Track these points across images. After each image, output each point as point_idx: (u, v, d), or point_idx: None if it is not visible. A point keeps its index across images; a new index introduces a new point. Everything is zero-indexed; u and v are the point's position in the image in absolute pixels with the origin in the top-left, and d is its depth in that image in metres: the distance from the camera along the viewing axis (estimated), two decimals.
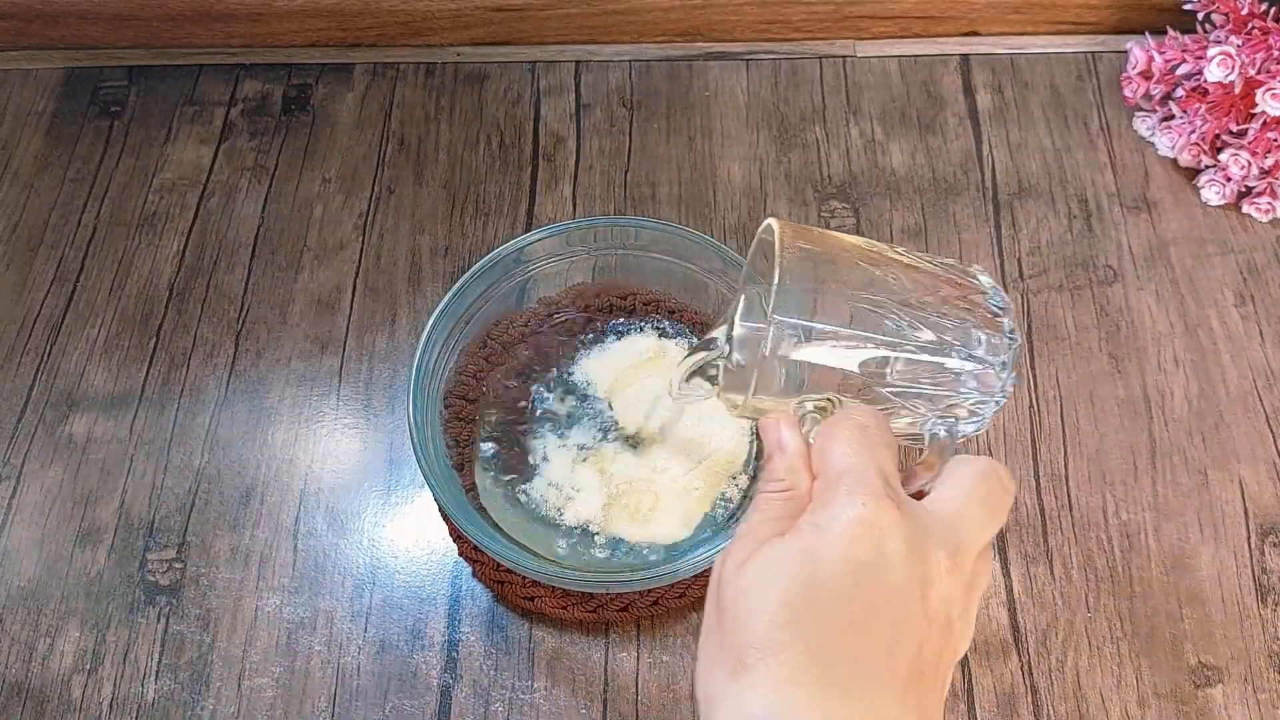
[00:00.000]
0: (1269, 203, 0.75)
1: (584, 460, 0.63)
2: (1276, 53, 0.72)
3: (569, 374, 0.66)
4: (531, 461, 0.63)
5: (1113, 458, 0.67)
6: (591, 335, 0.67)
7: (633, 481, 0.62)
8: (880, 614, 0.38)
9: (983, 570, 0.42)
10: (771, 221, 0.45)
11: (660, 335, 0.67)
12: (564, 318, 0.68)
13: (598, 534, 0.61)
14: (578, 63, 0.84)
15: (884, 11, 0.83)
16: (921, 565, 0.39)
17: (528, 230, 0.75)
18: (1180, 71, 0.76)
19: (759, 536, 0.40)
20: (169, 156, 0.79)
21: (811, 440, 0.43)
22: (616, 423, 0.64)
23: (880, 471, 0.40)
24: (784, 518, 0.40)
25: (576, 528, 0.61)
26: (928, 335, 0.44)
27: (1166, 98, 0.78)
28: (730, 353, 0.50)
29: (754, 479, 0.63)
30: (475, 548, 0.62)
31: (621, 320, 0.68)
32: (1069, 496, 0.65)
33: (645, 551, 0.61)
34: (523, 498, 0.62)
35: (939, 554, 0.39)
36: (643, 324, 0.68)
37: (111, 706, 0.60)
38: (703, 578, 0.60)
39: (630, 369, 0.66)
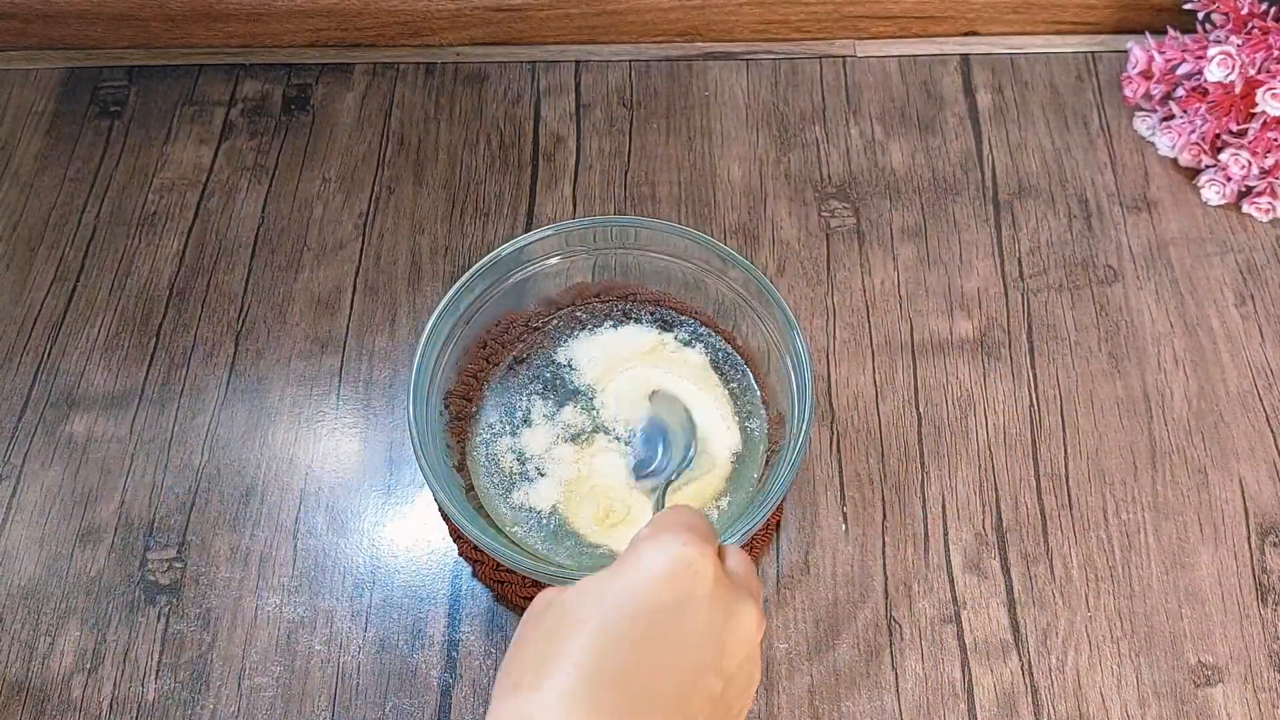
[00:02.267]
0: (1269, 202, 0.75)
1: (567, 442, 0.63)
2: (1276, 52, 0.72)
3: (567, 367, 0.66)
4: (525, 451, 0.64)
5: (1112, 457, 0.67)
6: (590, 328, 0.67)
7: (611, 487, 0.62)
8: (674, 658, 0.39)
9: (764, 630, 0.45)
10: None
11: (661, 329, 0.67)
12: (564, 317, 0.68)
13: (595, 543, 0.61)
14: (577, 63, 0.84)
15: (883, 11, 0.83)
16: (724, 619, 0.40)
17: (528, 230, 0.75)
18: (1180, 71, 0.76)
19: (602, 569, 0.42)
20: (169, 156, 0.80)
21: None
22: (608, 423, 0.64)
23: (703, 533, 0.42)
24: None
25: (531, 510, 0.61)
26: None
27: (1166, 97, 0.78)
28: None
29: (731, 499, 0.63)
30: (475, 548, 0.62)
31: (620, 316, 0.68)
32: (1069, 496, 0.65)
33: (602, 554, 0.60)
34: (492, 463, 0.63)
35: (749, 613, 0.41)
36: (641, 318, 0.68)
37: (111, 706, 0.60)
38: None
39: (624, 360, 0.66)
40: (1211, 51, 0.72)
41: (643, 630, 0.39)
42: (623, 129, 0.80)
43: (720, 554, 0.44)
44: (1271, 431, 0.67)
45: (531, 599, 0.60)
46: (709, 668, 0.39)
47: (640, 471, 0.61)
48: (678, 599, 0.40)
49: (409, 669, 0.60)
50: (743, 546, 0.57)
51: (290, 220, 0.76)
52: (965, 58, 0.83)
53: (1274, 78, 0.71)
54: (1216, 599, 0.62)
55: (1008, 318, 0.72)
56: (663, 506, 0.58)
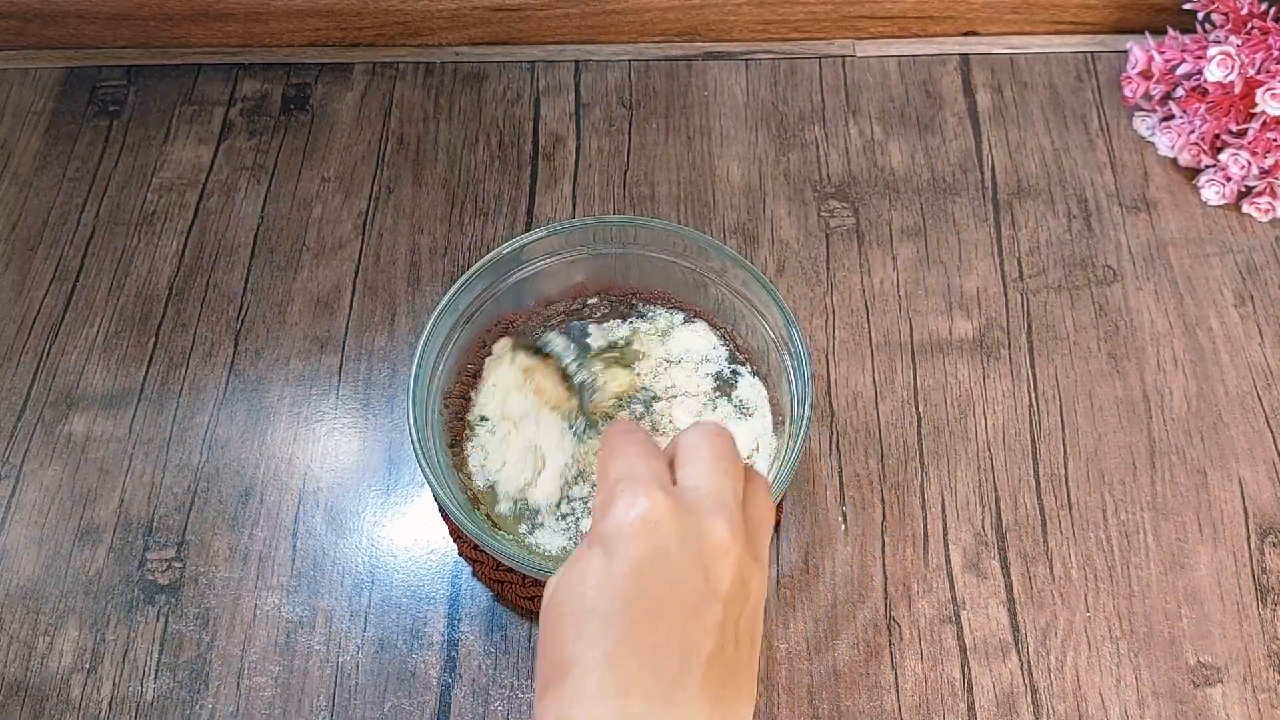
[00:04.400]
0: (1269, 202, 0.75)
1: (575, 440, 0.63)
2: (1276, 52, 0.72)
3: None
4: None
5: (1112, 458, 0.67)
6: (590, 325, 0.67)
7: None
8: (668, 607, 0.40)
9: (755, 515, 0.44)
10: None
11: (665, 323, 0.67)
12: (564, 317, 0.68)
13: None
14: (577, 62, 0.84)
15: (883, 11, 0.83)
16: (699, 546, 0.41)
17: (527, 230, 0.75)
18: (1180, 71, 0.76)
19: (570, 560, 0.42)
20: (168, 156, 0.79)
21: None
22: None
23: (652, 471, 0.42)
24: None
25: (526, 504, 0.61)
26: None
27: (1166, 97, 0.78)
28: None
29: None
30: (475, 547, 0.62)
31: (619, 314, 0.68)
32: (1068, 496, 0.65)
33: None
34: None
35: (717, 527, 0.41)
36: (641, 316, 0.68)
37: (111, 705, 0.60)
38: None
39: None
40: (1211, 51, 0.72)
41: (634, 599, 0.40)
42: (622, 129, 0.80)
43: (673, 469, 0.44)
44: (1271, 432, 0.67)
45: (532, 599, 0.60)
46: (704, 598, 0.40)
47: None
48: (650, 555, 0.40)
49: (408, 669, 0.60)
50: None
51: (289, 220, 0.76)
52: (965, 58, 0.83)
53: (1274, 78, 0.71)
54: (1216, 599, 0.62)
55: (1007, 318, 0.72)
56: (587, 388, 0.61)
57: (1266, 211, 0.75)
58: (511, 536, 0.61)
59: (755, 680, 0.42)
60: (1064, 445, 0.67)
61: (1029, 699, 0.59)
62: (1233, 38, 0.73)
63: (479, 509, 0.61)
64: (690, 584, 0.40)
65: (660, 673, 0.39)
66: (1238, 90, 0.72)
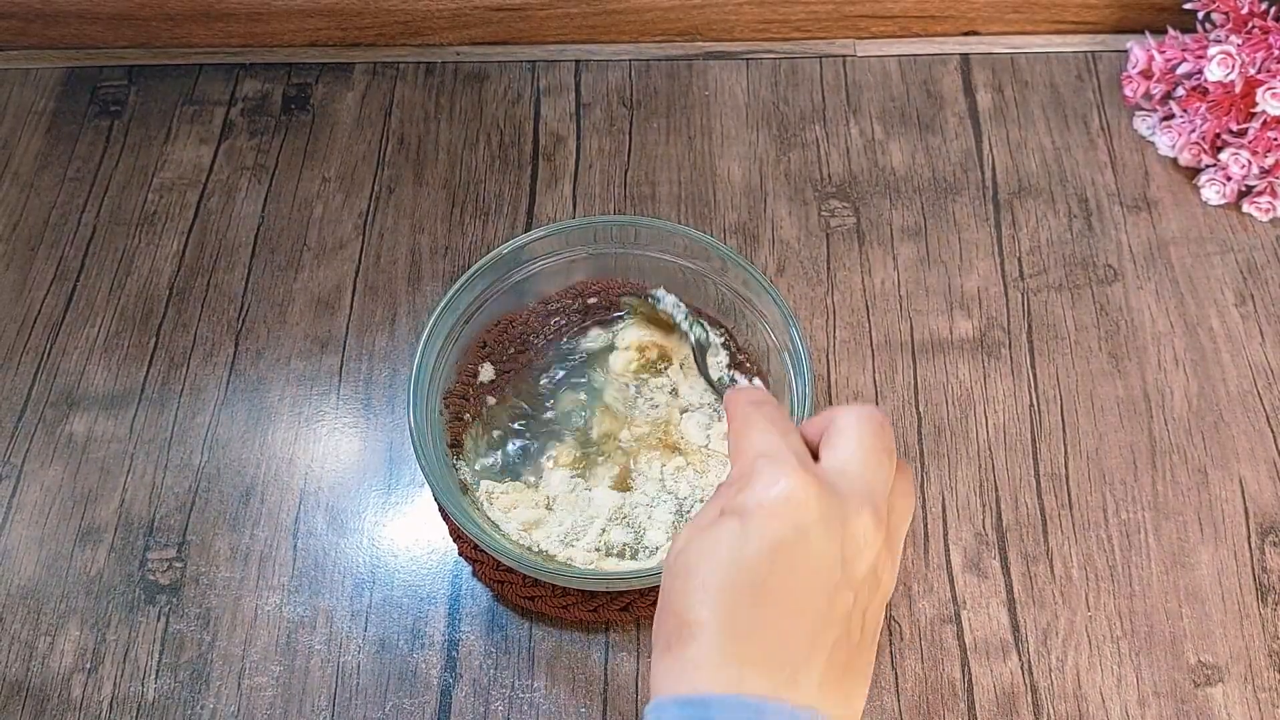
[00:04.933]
0: (1269, 202, 0.75)
1: (568, 470, 0.63)
2: (1277, 52, 0.72)
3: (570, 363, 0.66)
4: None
5: (1112, 457, 0.67)
6: (591, 327, 0.67)
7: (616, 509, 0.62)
8: (801, 590, 0.39)
9: (899, 508, 0.43)
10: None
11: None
12: (563, 316, 0.68)
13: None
14: (577, 62, 0.84)
15: (883, 11, 0.82)
16: (841, 533, 0.40)
17: (528, 229, 0.75)
18: (1180, 71, 0.76)
19: (700, 524, 0.42)
20: (169, 156, 0.79)
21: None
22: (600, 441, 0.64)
23: (793, 449, 0.42)
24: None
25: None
26: None
27: (1167, 97, 0.78)
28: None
29: None
30: (475, 547, 0.62)
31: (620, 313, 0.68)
32: (1069, 496, 0.65)
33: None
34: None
35: (862, 517, 0.41)
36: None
37: (111, 705, 0.60)
38: None
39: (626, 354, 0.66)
40: (1211, 51, 0.72)
41: (765, 574, 0.39)
42: (623, 128, 0.80)
43: (817, 452, 0.43)
44: (1271, 431, 0.67)
45: (532, 599, 0.60)
46: (838, 586, 0.40)
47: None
48: (789, 536, 0.40)
49: (409, 669, 0.60)
50: None
51: (290, 220, 0.76)
52: (965, 57, 0.83)
53: (1274, 77, 0.71)
54: (1216, 599, 0.62)
55: (1008, 317, 0.72)
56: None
57: (1267, 211, 0.75)
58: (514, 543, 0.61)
59: (872, 668, 0.42)
60: (1065, 445, 0.67)
61: (1029, 699, 0.59)
62: (1233, 37, 0.73)
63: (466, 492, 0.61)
64: (826, 570, 0.40)
65: (786, 653, 0.39)
66: (1238, 90, 0.72)
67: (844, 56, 0.84)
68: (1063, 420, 0.68)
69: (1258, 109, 0.72)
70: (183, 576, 0.63)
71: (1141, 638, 0.61)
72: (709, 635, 0.39)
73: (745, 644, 0.39)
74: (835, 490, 0.41)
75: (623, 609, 0.60)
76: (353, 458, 0.67)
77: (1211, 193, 0.76)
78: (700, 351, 0.63)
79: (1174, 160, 0.78)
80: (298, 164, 0.79)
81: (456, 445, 0.64)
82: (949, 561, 0.63)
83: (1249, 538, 0.64)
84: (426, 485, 0.59)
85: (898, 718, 0.59)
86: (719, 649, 0.38)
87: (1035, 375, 0.69)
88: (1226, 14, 0.74)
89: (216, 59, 0.84)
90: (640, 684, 0.60)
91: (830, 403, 0.68)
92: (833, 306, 0.72)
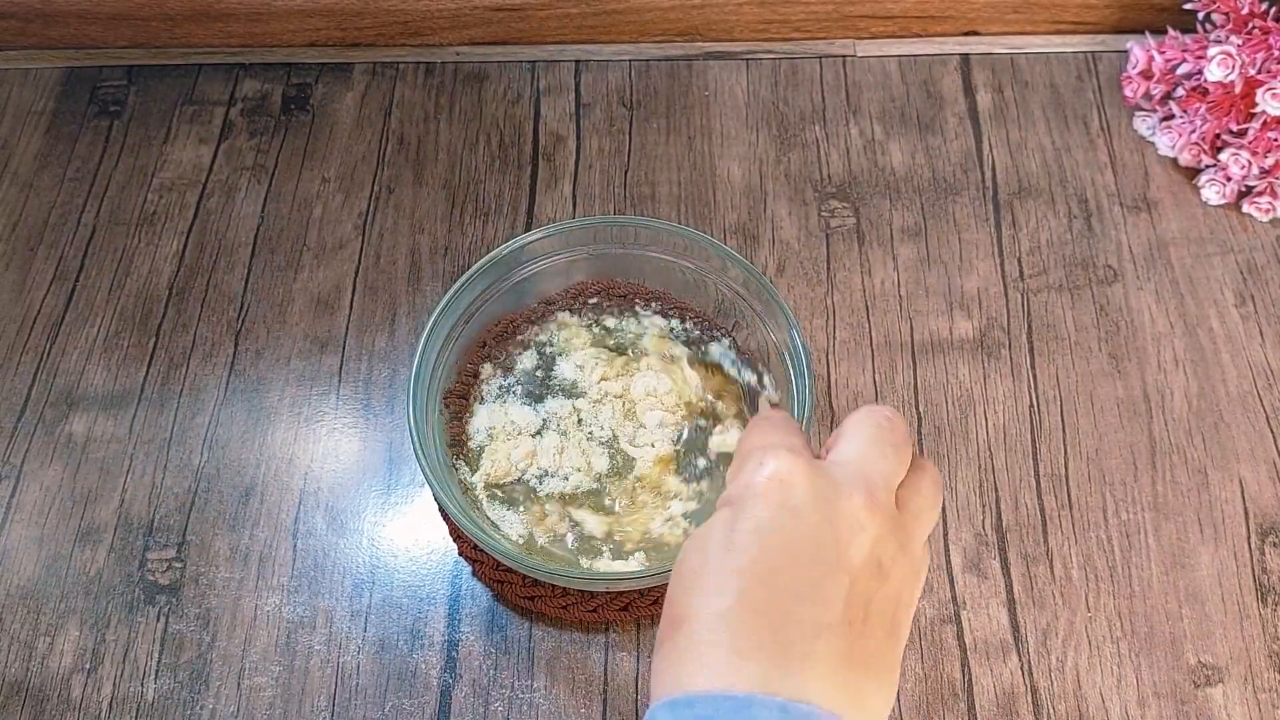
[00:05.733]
0: (1269, 202, 0.75)
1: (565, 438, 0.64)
2: (1277, 52, 0.72)
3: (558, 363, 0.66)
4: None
5: (1112, 458, 0.67)
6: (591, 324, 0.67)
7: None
8: (790, 569, 0.39)
9: (912, 504, 0.42)
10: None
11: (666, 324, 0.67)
12: (563, 315, 0.68)
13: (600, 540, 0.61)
14: (577, 62, 0.84)
15: (883, 11, 0.82)
16: (832, 513, 0.40)
17: (527, 229, 0.75)
18: (1180, 71, 0.76)
19: (702, 526, 0.42)
20: (168, 156, 0.79)
21: None
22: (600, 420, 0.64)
23: (785, 439, 0.42)
24: None
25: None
26: None
27: (1167, 97, 0.78)
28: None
29: None
30: (475, 547, 0.62)
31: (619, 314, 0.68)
32: (1069, 496, 0.65)
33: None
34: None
35: (853, 499, 0.40)
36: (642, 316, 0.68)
37: (111, 706, 0.60)
38: None
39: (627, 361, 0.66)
40: (1211, 51, 0.72)
41: (755, 558, 0.39)
42: (622, 129, 0.80)
43: (828, 446, 0.43)
44: (1271, 432, 0.67)
45: (532, 599, 0.60)
46: (831, 566, 0.39)
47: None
48: (776, 516, 0.39)
49: (409, 669, 0.60)
50: None
51: (290, 220, 0.76)
52: (965, 57, 0.83)
53: (1274, 78, 0.71)
54: (1216, 599, 0.62)
55: (1008, 318, 0.72)
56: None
57: (1267, 211, 0.75)
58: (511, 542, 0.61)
59: (894, 673, 0.41)
60: (1065, 445, 0.67)
61: (1029, 699, 0.59)
62: (1233, 37, 0.73)
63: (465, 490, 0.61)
64: (817, 551, 0.39)
65: (778, 636, 0.38)
66: (1238, 90, 0.72)
67: (844, 57, 0.84)
68: (1063, 421, 0.68)
69: (1258, 109, 0.72)
70: (182, 577, 0.63)
71: (1141, 638, 0.61)
72: (697, 624, 0.38)
73: (735, 629, 0.38)
74: (823, 472, 0.41)
75: (623, 609, 0.60)
76: (352, 458, 0.67)
77: (1211, 193, 0.76)
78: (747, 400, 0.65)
79: (1174, 160, 0.78)
80: (297, 164, 0.79)
81: (456, 445, 0.64)
82: (949, 562, 0.63)
83: (1249, 538, 0.64)
84: (426, 485, 0.59)
85: (898, 717, 0.59)
86: (709, 637, 0.38)
87: (1035, 376, 0.69)
88: (1226, 14, 0.74)
89: (216, 59, 0.84)
90: (640, 684, 0.60)
91: (830, 403, 0.68)
92: (833, 307, 0.72)
